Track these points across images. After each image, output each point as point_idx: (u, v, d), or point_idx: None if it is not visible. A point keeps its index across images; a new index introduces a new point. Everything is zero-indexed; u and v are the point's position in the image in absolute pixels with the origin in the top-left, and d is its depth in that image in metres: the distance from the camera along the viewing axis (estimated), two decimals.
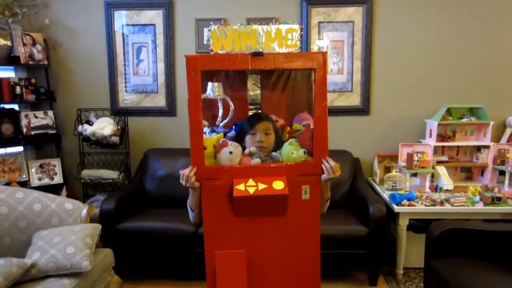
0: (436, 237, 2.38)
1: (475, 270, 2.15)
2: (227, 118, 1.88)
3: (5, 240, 2.27)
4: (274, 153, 1.75)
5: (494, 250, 2.31)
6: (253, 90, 1.92)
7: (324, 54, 1.61)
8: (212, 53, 1.66)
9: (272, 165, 1.65)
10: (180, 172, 1.63)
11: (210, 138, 1.71)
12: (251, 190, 1.57)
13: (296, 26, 1.67)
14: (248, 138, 1.76)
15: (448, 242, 2.36)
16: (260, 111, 1.92)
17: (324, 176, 1.61)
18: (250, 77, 1.90)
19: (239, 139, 1.77)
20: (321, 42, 3.44)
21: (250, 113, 1.92)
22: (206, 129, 1.81)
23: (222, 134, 1.75)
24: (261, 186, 1.58)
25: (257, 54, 1.57)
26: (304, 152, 1.68)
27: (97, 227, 2.34)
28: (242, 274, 1.64)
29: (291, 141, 1.72)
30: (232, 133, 1.82)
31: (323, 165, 1.61)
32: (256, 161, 1.67)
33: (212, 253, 1.66)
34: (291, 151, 1.68)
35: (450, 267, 2.23)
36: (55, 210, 2.36)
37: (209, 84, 1.77)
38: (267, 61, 1.58)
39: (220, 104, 1.89)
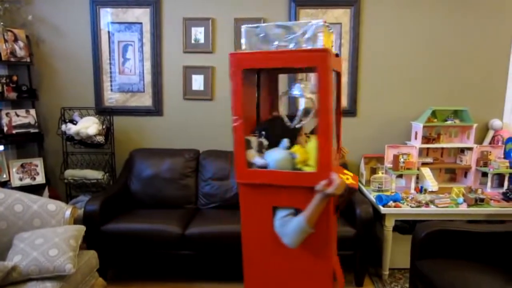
0: (421, 239, 2.41)
1: (459, 271, 2.18)
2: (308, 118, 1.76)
3: None
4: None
5: (478, 250, 2.36)
6: None
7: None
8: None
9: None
10: (333, 179, 1.52)
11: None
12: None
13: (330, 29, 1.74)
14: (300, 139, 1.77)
15: (433, 243, 2.39)
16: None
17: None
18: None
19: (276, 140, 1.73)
20: None
21: None
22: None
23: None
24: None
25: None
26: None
27: (81, 228, 2.29)
28: None
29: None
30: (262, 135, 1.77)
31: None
32: None
33: None
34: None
35: (435, 267, 2.26)
36: (37, 211, 2.29)
37: (294, 85, 1.78)
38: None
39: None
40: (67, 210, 2.35)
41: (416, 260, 2.41)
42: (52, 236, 2.12)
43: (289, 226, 1.58)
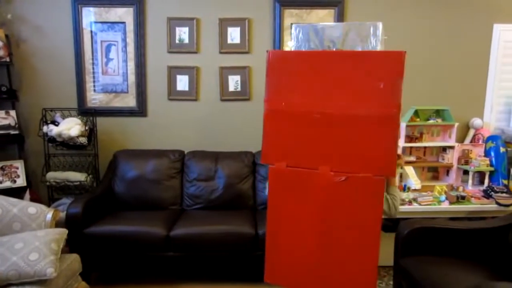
0: (404, 236, 2.43)
1: (442, 267, 2.20)
2: None
3: None
4: None
5: (460, 247, 2.39)
6: None
7: None
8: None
9: None
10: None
11: None
12: None
13: None
14: None
15: (416, 241, 2.42)
16: None
17: None
18: None
19: None
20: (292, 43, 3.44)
21: None
22: None
23: None
24: None
25: None
26: None
27: (63, 232, 2.23)
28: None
29: None
30: None
31: None
32: None
33: None
34: None
35: (418, 264, 2.28)
36: (17, 215, 2.23)
37: None
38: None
39: None
40: (48, 213, 2.29)
41: (400, 258, 2.43)
42: (32, 240, 2.06)
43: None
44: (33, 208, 2.28)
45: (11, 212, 2.22)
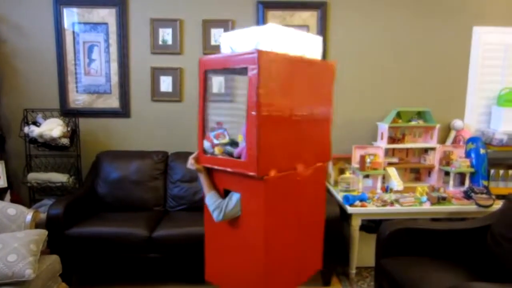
0: (385, 237, 2.50)
1: (422, 267, 2.27)
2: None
3: None
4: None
5: (440, 247, 2.47)
6: None
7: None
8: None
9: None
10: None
11: None
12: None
13: None
14: None
15: (397, 242, 2.49)
16: None
17: None
18: None
19: None
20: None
21: None
22: None
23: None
24: None
25: None
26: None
27: (43, 233, 2.26)
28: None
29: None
30: None
31: None
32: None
33: None
34: None
35: (399, 265, 2.35)
36: None
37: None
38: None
39: None
40: (28, 215, 2.32)
41: (381, 259, 2.50)
42: (11, 241, 2.09)
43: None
44: (13, 209, 2.30)
45: None
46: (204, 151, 1.91)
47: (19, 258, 2.01)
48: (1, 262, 1.98)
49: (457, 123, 3.62)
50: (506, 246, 2.20)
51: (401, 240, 2.48)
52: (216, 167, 1.82)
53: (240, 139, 1.86)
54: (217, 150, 1.86)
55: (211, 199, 1.83)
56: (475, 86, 3.65)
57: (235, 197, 1.78)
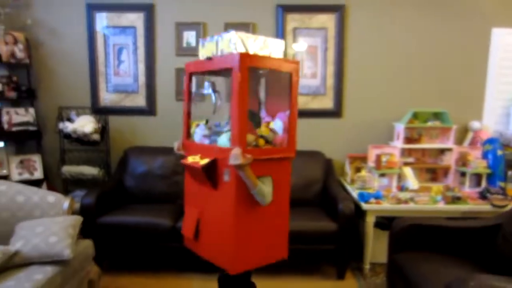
0: (397, 233, 2.66)
1: (432, 263, 2.41)
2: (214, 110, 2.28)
3: None
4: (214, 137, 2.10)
5: (450, 244, 2.59)
6: (261, 93, 2.39)
7: (241, 56, 1.83)
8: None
9: (212, 147, 2.00)
10: (174, 143, 2.24)
11: (196, 121, 2.24)
12: (190, 160, 2.01)
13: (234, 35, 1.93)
14: None
15: (409, 237, 2.63)
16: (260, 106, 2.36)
17: (229, 162, 1.77)
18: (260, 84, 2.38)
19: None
20: (297, 47, 3.72)
21: None
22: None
23: (204, 120, 2.23)
24: (196, 159, 1.98)
25: (208, 59, 1.99)
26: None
27: (79, 219, 2.54)
28: (192, 226, 2.15)
29: (227, 132, 1.99)
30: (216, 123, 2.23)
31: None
32: (206, 142, 2.10)
33: (185, 207, 2.30)
34: (224, 138, 1.96)
35: (410, 260, 2.49)
36: (37, 203, 2.54)
37: (206, 83, 2.27)
38: (213, 62, 1.97)
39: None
40: (65, 202, 2.60)
41: (393, 253, 2.65)
42: (51, 225, 2.37)
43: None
44: (52, 197, 2.59)
45: (32, 199, 2.54)
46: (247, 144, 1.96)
47: (59, 239, 2.29)
48: (43, 243, 2.26)
49: (475, 124, 3.73)
50: None
51: (413, 236, 2.62)
52: (264, 157, 1.93)
53: (267, 132, 2.05)
54: (260, 142, 2.00)
55: (263, 188, 1.89)
56: (493, 87, 3.76)
57: (267, 180, 1.94)
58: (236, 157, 1.75)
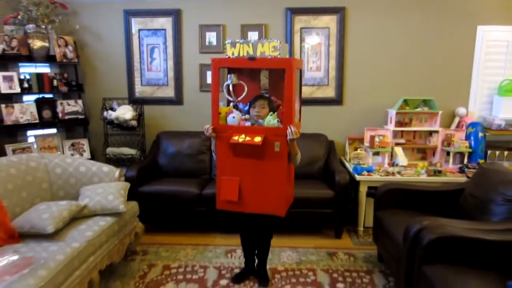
0: (380, 195, 3.37)
1: (403, 216, 3.03)
2: (242, 95, 2.95)
3: (60, 193, 3.31)
4: (260, 120, 2.78)
5: (422, 203, 3.27)
6: (264, 80, 3.13)
7: (293, 60, 2.58)
8: (227, 56, 2.75)
9: (257, 127, 2.72)
10: (204, 126, 2.79)
11: (224, 107, 2.91)
12: (241, 140, 2.67)
13: (276, 41, 2.62)
14: (251, 109, 2.84)
15: (389, 198, 3.32)
16: (262, 93, 3.03)
17: (288, 137, 2.60)
18: (262, 72, 3.09)
19: (250, 110, 2.86)
20: (304, 44, 4.47)
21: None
22: (221, 103, 2.91)
23: (232, 106, 2.94)
24: (247, 138, 2.67)
25: (251, 58, 2.65)
26: (278, 121, 2.70)
27: (127, 184, 3.37)
28: (235, 191, 2.78)
29: (272, 113, 2.76)
30: (247, 107, 2.92)
31: (287, 130, 2.59)
32: (248, 123, 2.80)
33: (220, 177, 2.84)
34: (270, 120, 2.72)
35: (387, 215, 3.18)
36: (95, 172, 3.39)
37: (228, 75, 2.89)
38: (257, 62, 2.65)
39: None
40: (116, 172, 3.44)
41: (376, 211, 3.38)
42: (108, 187, 3.21)
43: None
44: (106, 168, 3.43)
45: (91, 169, 3.39)
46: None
47: (115, 197, 3.12)
48: (104, 200, 3.09)
49: (461, 110, 4.41)
50: (470, 201, 3.02)
51: (393, 197, 3.31)
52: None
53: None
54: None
55: (299, 154, 2.77)
56: (478, 78, 4.42)
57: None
58: (295, 132, 2.56)
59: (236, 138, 2.67)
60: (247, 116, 2.84)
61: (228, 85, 2.91)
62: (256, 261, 3.18)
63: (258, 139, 2.62)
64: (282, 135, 2.63)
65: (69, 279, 2.44)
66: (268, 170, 2.70)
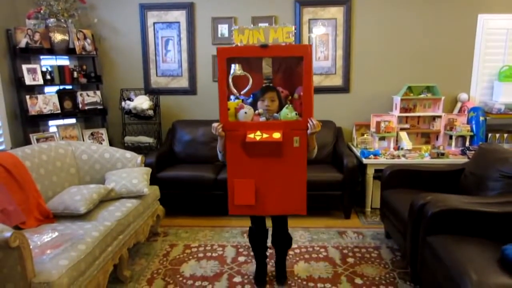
0: (386, 176, 3.55)
1: (408, 194, 3.14)
2: (247, 88, 2.67)
3: (86, 178, 3.50)
4: (276, 114, 2.53)
5: (426, 182, 3.43)
6: (266, 69, 2.73)
7: (310, 46, 2.34)
8: (234, 45, 2.44)
9: (273, 122, 2.46)
10: (212, 125, 2.46)
11: (232, 102, 2.55)
12: (258, 138, 2.36)
13: (291, 26, 2.38)
14: (259, 103, 2.55)
15: (394, 178, 3.49)
16: (270, 84, 2.69)
17: (309, 131, 2.37)
18: (265, 60, 2.70)
19: (254, 103, 2.59)
20: (312, 34, 4.61)
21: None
22: (232, 97, 2.64)
23: (241, 100, 2.60)
24: (264, 135, 2.37)
25: (264, 46, 2.35)
26: (296, 114, 2.45)
27: (149, 169, 3.56)
28: (251, 194, 2.50)
29: (288, 106, 2.50)
30: (250, 99, 2.66)
31: (308, 123, 2.37)
32: (262, 119, 2.51)
33: (232, 180, 2.53)
34: (287, 113, 2.46)
35: (393, 194, 3.35)
36: (119, 158, 3.57)
37: (232, 65, 2.56)
38: (270, 50, 2.36)
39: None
40: (138, 158, 3.61)
41: (383, 190, 3.56)
42: (132, 172, 3.39)
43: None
44: (128, 154, 3.61)
45: (115, 156, 3.57)
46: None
47: (139, 181, 3.31)
48: (129, 183, 3.28)
49: (463, 95, 4.56)
50: (470, 178, 3.20)
51: (397, 177, 3.48)
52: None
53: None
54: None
55: (316, 147, 2.53)
56: (479, 65, 4.56)
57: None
58: (316, 126, 2.35)
59: (252, 136, 2.36)
60: (260, 111, 2.53)
61: (232, 77, 2.59)
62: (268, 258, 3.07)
63: (277, 135, 2.36)
64: (301, 129, 2.40)
65: (103, 254, 2.63)
66: (287, 168, 2.45)
